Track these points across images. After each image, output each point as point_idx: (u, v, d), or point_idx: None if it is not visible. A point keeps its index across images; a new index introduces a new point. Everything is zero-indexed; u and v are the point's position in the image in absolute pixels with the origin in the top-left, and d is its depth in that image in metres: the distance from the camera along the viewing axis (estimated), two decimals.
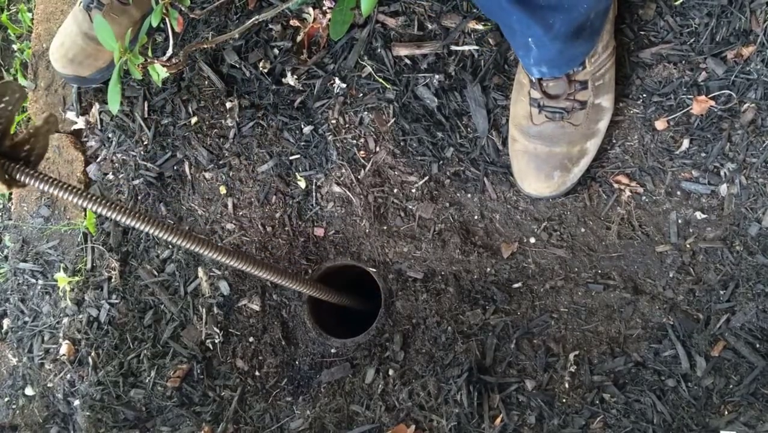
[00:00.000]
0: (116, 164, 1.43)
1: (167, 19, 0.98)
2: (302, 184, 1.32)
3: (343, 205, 1.29)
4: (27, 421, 1.43)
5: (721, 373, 1.09)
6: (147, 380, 1.35)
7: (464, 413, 1.16)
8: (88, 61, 1.37)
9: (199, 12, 1.23)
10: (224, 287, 1.34)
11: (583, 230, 1.19)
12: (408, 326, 1.24)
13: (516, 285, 1.21)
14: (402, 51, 1.27)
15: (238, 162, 1.35)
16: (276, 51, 1.34)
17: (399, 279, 1.26)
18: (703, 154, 1.13)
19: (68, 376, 1.41)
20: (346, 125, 1.30)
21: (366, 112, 1.29)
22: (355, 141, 1.29)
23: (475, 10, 1.25)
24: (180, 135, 1.39)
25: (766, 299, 1.09)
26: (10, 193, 1.53)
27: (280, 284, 1.05)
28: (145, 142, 1.41)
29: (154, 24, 0.97)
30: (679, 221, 1.14)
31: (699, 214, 1.13)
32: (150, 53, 1.37)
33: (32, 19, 1.57)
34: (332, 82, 1.31)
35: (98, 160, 1.45)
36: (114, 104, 1.00)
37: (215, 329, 1.33)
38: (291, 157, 1.33)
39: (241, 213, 1.35)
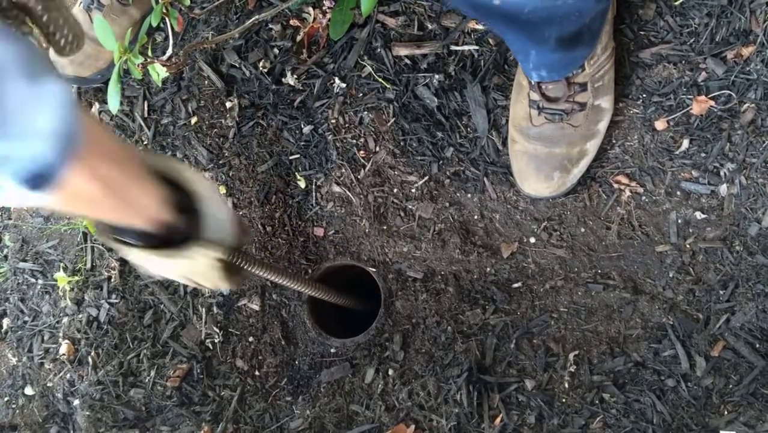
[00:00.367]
0: None
1: (167, 19, 0.98)
2: (302, 183, 1.32)
3: (342, 205, 1.29)
4: (27, 420, 1.43)
5: (721, 373, 1.09)
6: (147, 380, 1.35)
7: (464, 412, 1.16)
8: (89, 62, 1.37)
9: (199, 12, 1.23)
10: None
11: (583, 229, 1.19)
12: (408, 325, 1.24)
13: (516, 285, 1.21)
14: (402, 51, 1.27)
15: (237, 162, 1.35)
16: (276, 51, 1.34)
17: (399, 279, 1.26)
18: (703, 155, 1.13)
19: (68, 375, 1.41)
20: (346, 125, 1.30)
21: (366, 112, 1.29)
22: (355, 141, 1.29)
23: None
24: (180, 135, 1.39)
25: (766, 299, 1.09)
26: None
27: (282, 285, 1.08)
28: (145, 142, 1.41)
29: (154, 24, 0.97)
30: (679, 221, 1.14)
31: (699, 215, 1.13)
32: (150, 53, 1.37)
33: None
34: (332, 81, 1.31)
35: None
36: (114, 104, 1.00)
37: (215, 328, 1.33)
38: (291, 157, 1.33)
39: (241, 213, 1.35)
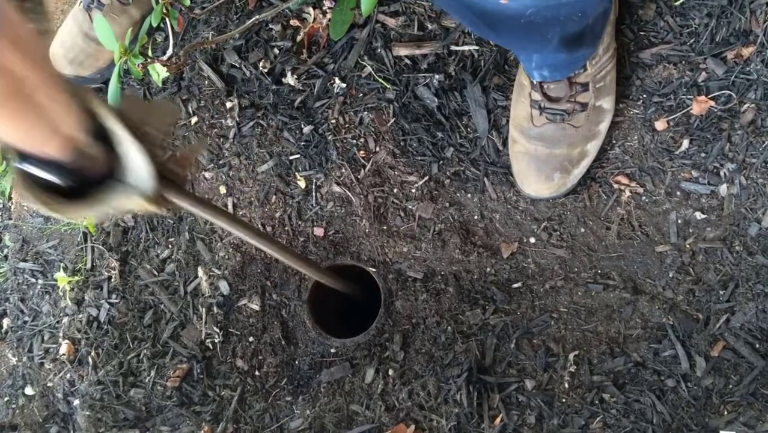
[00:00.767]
0: None
1: (167, 19, 0.98)
2: (302, 183, 1.32)
3: (343, 205, 1.29)
4: (27, 420, 1.43)
5: (721, 373, 1.09)
6: (147, 380, 1.35)
7: (464, 412, 1.16)
8: (89, 61, 1.37)
9: (199, 12, 1.23)
10: (224, 286, 1.34)
11: (583, 230, 1.19)
12: (408, 325, 1.24)
13: (516, 285, 1.21)
14: (402, 51, 1.27)
15: (238, 162, 1.35)
16: (276, 51, 1.34)
17: (399, 279, 1.26)
18: (703, 155, 1.13)
19: (68, 375, 1.41)
20: (346, 125, 1.30)
21: (366, 112, 1.29)
22: (355, 141, 1.29)
23: None
24: (180, 135, 1.39)
25: (766, 299, 1.09)
26: (10, 193, 1.53)
27: (287, 263, 1.02)
28: None
29: (154, 24, 0.97)
30: (679, 221, 1.14)
31: (699, 215, 1.13)
32: (150, 53, 1.37)
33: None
34: (332, 82, 1.31)
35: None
36: (114, 104, 1.00)
37: (215, 328, 1.33)
38: (291, 157, 1.33)
39: (241, 213, 1.35)
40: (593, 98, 1.11)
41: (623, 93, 1.17)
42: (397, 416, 1.20)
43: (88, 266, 1.42)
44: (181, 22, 1.26)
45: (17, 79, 0.48)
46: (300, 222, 1.32)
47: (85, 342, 1.40)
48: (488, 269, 1.22)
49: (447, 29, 1.26)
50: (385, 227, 1.27)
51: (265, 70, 1.34)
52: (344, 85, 1.30)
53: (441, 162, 1.25)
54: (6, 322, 1.50)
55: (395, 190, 1.27)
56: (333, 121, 1.30)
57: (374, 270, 1.27)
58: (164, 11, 0.98)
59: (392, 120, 1.27)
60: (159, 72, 1.03)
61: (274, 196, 1.33)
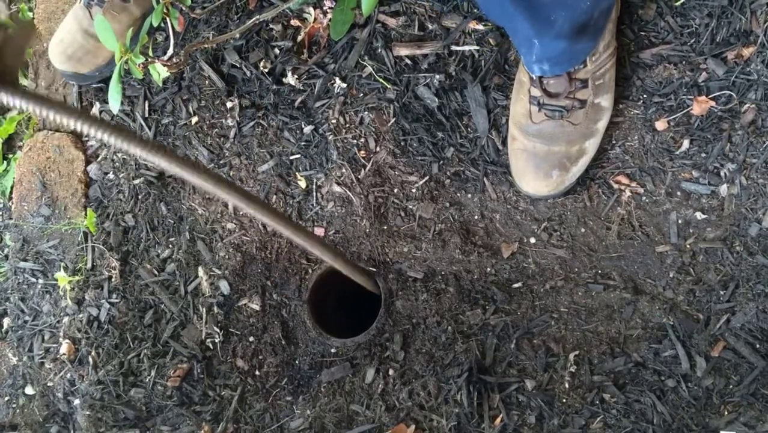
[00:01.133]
0: (117, 163, 1.44)
1: (168, 19, 0.98)
2: (302, 183, 1.32)
3: (343, 205, 1.30)
4: (27, 420, 1.43)
5: (721, 373, 1.09)
6: (147, 380, 1.35)
7: (464, 413, 1.16)
8: (87, 58, 1.37)
9: (200, 11, 1.23)
10: (224, 286, 1.34)
11: (583, 230, 1.19)
12: (408, 325, 1.24)
13: (516, 285, 1.21)
14: (402, 51, 1.27)
15: (238, 162, 1.35)
16: (276, 51, 1.35)
17: (399, 279, 1.26)
18: (704, 155, 1.13)
19: (68, 375, 1.41)
20: (347, 125, 1.30)
21: (366, 112, 1.29)
22: (355, 141, 1.29)
23: (475, 10, 1.25)
24: (180, 134, 1.39)
25: (766, 299, 1.09)
26: (11, 192, 1.53)
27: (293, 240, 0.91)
28: None
29: (155, 23, 0.97)
30: (679, 222, 1.14)
31: (699, 215, 1.13)
32: (151, 53, 1.37)
33: (33, 18, 1.57)
34: (333, 81, 1.31)
35: (99, 159, 1.45)
36: (115, 103, 1.00)
37: (215, 328, 1.33)
38: (291, 157, 1.33)
39: (241, 212, 1.35)
40: (592, 95, 1.11)
41: (623, 93, 1.17)
42: (397, 416, 1.20)
43: (89, 265, 1.42)
44: (181, 22, 1.26)
45: None
46: (300, 222, 1.32)
47: (85, 342, 1.40)
48: (488, 269, 1.22)
49: (447, 29, 1.26)
50: (385, 227, 1.27)
51: (266, 70, 1.34)
52: (345, 85, 1.30)
53: (441, 162, 1.25)
54: (6, 321, 1.50)
55: (395, 190, 1.27)
56: (333, 121, 1.30)
57: (374, 270, 1.27)
58: (165, 11, 0.99)
59: (393, 120, 1.27)
60: (159, 72, 1.03)
61: (274, 196, 1.33)
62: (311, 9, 1.32)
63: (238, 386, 1.30)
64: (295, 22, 1.34)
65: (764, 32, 1.10)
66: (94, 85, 1.45)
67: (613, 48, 1.11)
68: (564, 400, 1.15)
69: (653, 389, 1.11)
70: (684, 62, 1.14)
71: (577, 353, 1.16)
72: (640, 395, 1.11)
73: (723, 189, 1.12)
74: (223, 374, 1.32)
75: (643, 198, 1.16)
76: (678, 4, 1.15)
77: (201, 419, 1.30)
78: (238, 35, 1.34)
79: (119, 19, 1.32)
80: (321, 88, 1.31)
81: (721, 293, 1.11)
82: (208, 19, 1.38)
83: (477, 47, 1.24)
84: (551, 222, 1.20)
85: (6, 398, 1.46)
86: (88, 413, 1.36)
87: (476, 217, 1.24)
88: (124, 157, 1.43)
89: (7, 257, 1.52)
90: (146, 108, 1.41)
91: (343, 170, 1.29)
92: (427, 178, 1.25)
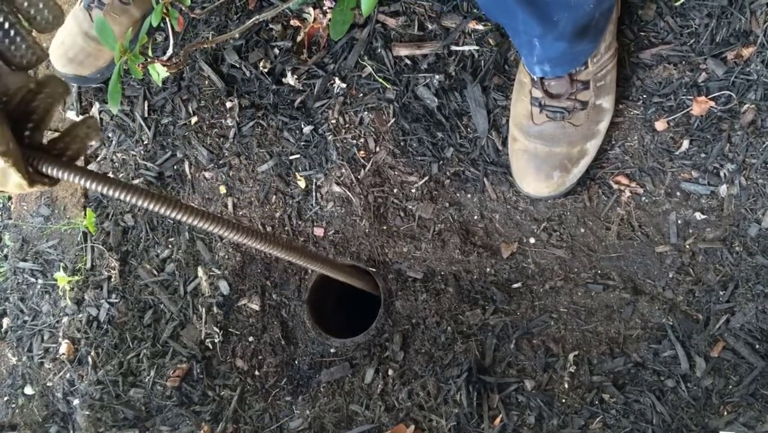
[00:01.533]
0: (116, 164, 1.43)
1: (167, 19, 0.98)
2: (302, 183, 1.32)
3: (343, 205, 1.29)
4: (26, 420, 1.43)
5: (721, 373, 1.09)
6: (146, 380, 1.35)
7: (464, 413, 1.16)
8: (89, 61, 1.37)
9: (200, 12, 1.23)
10: (224, 286, 1.34)
11: (582, 230, 1.19)
12: (408, 326, 1.24)
13: (516, 285, 1.21)
14: (402, 51, 1.27)
15: (238, 162, 1.35)
16: (276, 51, 1.35)
17: (399, 279, 1.26)
18: (703, 155, 1.14)
19: (68, 375, 1.41)
20: (346, 125, 1.30)
21: (366, 112, 1.29)
22: (355, 141, 1.29)
23: (475, 10, 1.25)
24: (180, 134, 1.39)
25: (766, 299, 1.09)
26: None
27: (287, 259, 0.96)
28: (145, 142, 1.41)
29: (155, 24, 0.97)
30: (679, 222, 1.14)
31: (699, 215, 1.13)
32: (150, 53, 1.37)
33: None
34: (332, 82, 1.31)
35: (98, 159, 1.45)
36: (114, 104, 1.00)
37: (215, 328, 1.33)
38: (291, 157, 1.33)
39: (241, 213, 1.35)
40: (593, 97, 1.11)
41: (623, 93, 1.17)
42: (396, 416, 1.20)
43: (88, 265, 1.42)
44: (181, 22, 1.26)
45: None
46: (300, 222, 1.32)
47: (84, 342, 1.40)
48: (488, 269, 1.22)
49: (447, 29, 1.26)
50: (385, 227, 1.27)
51: (266, 70, 1.34)
52: (344, 85, 1.30)
53: (441, 162, 1.25)
54: (6, 321, 1.50)
55: (395, 190, 1.27)
56: (333, 121, 1.30)
57: (374, 270, 1.27)
58: (164, 11, 0.98)
59: (392, 120, 1.27)
60: (159, 72, 1.03)
61: (274, 196, 1.33)
62: (311, 9, 1.32)
63: (238, 386, 1.30)
64: (294, 22, 1.33)
65: (764, 32, 1.10)
66: (94, 86, 1.45)
67: (614, 49, 1.11)
68: (563, 400, 1.15)
69: (653, 390, 1.11)
70: (684, 62, 1.14)
71: (576, 353, 1.16)
72: (640, 396, 1.12)
73: (722, 189, 1.12)
74: (222, 374, 1.32)
75: (643, 198, 1.16)
76: (678, 4, 1.15)
77: (200, 419, 1.30)
78: (237, 35, 1.34)
79: (119, 21, 1.32)
80: (321, 88, 1.31)
81: (721, 293, 1.11)
82: (208, 19, 1.38)
83: (477, 47, 1.24)
84: (551, 222, 1.20)
85: (5, 398, 1.46)
86: (87, 413, 1.36)
87: (476, 217, 1.24)
88: (124, 157, 1.43)
89: (6, 257, 1.51)
90: (146, 108, 1.41)
91: (343, 170, 1.29)
92: (426, 178, 1.25)
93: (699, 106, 1.13)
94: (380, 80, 1.28)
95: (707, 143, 1.13)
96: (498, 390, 1.17)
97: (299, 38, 1.34)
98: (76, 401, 1.39)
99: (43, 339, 1.44)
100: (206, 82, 1.37)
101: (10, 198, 1.53)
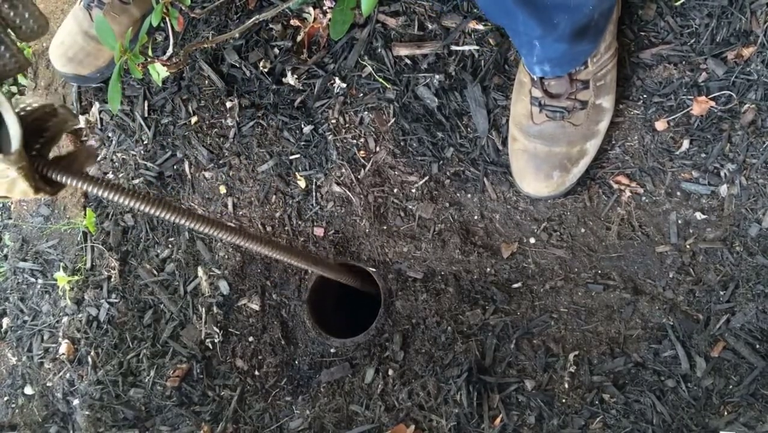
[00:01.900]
0: (116, 163, 1.43)
1: (167, 19, 0.98)
2: (302, 183, 1.32)
3: (343, 205, 1.29)
4: (26, 420, 1.43)
5: (721, 373, 1.09)
6: (146, 380, 1.35)
7: (464, 413, 1.16)
8: (88, 60, 1.37)
9: (200, 11, 1.23)
10: (224, 286, 1.34)
11: (583, 230, 1.19)
12: (408, 325, 1.24)
13: (516, 285, 1.21)
14: (402, 51, 1.27)
15: (238, 161, 1.35)
16: (276, 51, 1.34)
17: (399, 279, 1.26)
18: (703, 155, 1.13)
19: (67, 375, 1.41)
20: (346, 125, 1.30)
21: (366, 112, 1.29)
22: (355, 141, 1.29)
23: (475, 10, 1.25)
24: (180, 134, 1.39)
25: (766, 299, 1.09)
26: None
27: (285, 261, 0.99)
28: (145, 142, 1.41)
29: (155, 23, 0.97)
30: (679, 222, 1.14)
31: (699, 215, 1.13)
32: (150, 52, 1.37)
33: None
34: (332, 81, 1.31)
35: (98, 159, 1.45)
36: (114, 103, 1.00)
37: (215, 328, 1.33)
38: (291, 157, 1.33)
39: (241, 213, 1.35)
40: (593, 96, 1.11)
41: (623, 93, 1.17)
42: (396, 416, 1.20)
43: (88, 265, 1.42)
44: (181, 22, 1.26)
45: None
46: (300, 222, 1.32)
47: (84, 342, 1.40)
48: (488, 269, 1.22)
49: (447, 29, 1.26)
50: (385, 227, 1.27)
51: (266, 70, 1.34)
52: (344, 85, 1.30)
53: (441, 162, 1.25)
54: (6, 321, 1.49)
55: (395, 190, 1.27)
56: (333, 121, 1.30)
57: (374, 270, 1.27)
58: (164, 11, 0.98)
59: (392, 120, 1.27)
60: (159, 72, 1.03)
61: (274, 196, 1.33)
62: (311, 9, 1.32)
63: (238, 386, 1.30)
64: (294, 22, 1.33)
65: (764, 32, 1.10)
66: (94, 85, 1.45)
67: (614, 49, 1.11)
68: (563, 400, 1.15)
69: (653, 390, 1.11)
70: (684, 62, 1.14)
71: (576, 353, 1.16)
72: (640, 396, 1.11)
73: (723, 189, 1.12)
74: (222, 374, 1.32)
75: (643, 198, 1.16)
76: (678, 4, 1.15)
77: (200, 419, 1.30)
78: (237, 35, 1.34)
79: (119, 20, 1.32)
80: (321, 88, 1.31)
81: (721, 293, 1.11)
82: (208, 19, 1.38)
83: (477, 47, 1.24)
84: (551, 222, 1.20)
85: (5, 398, 1.46)
86: (87, 413, 1.36)
87: (476, 217, 1.24)
88: (124, 157, 1.42)
89: (6, 256, 1.51)
90: (146, 108, 1.41)
91: (343, 170, 1.29)
92: (426, 178, 1.25)
93: (699, 106, 1.13)
94: (380, 80, 1.28)
95: (707, 143, 1.13)
96: (498, 390, 1.17)
97: (299, 38, 1.34)
98: (76, 401, 1.39)
99: (43, 339, 1.44)
100: (206, 82, 1.37)
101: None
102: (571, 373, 1.15)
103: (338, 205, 1.30)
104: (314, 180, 1.31)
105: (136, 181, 1.40)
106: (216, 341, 1.33)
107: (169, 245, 1.39)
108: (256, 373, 1.31)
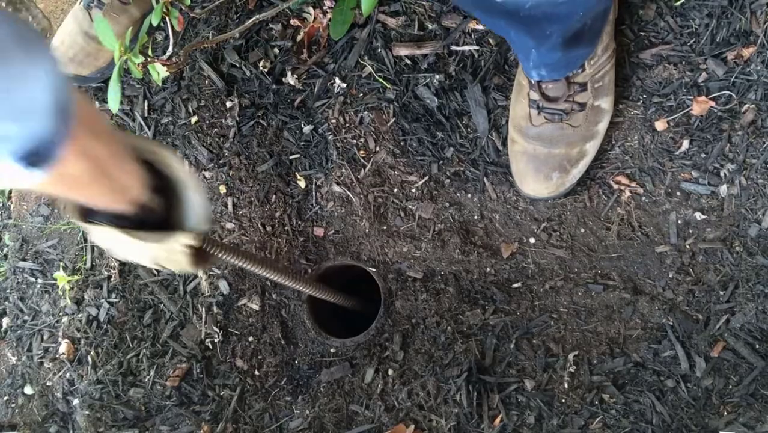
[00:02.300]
0: None
1: (167, 18, 0.98)
2: (302, 183, 1.32)
3: (342, 205, 1.29)
4: (26, 420, 1.43)
5: (721, 373, 1.09)
6: (146, 380, 1.35)
7: (463, 413, 1.16)
8: (88, 60, 1.37)
9: (200, 11, 1.23)
10: (224, 286, 1.34)
11: (582, 230, 1.19)
12: (407, 325, 1.24)
13: (516, 285, 1.21)
14: (402, 51, 1.27)
15: (238, 161, 1.35)
16: (276, 50, 1.34)
17: (399, 279, 1.26)
18: (703, 155, 1.13)
19: (67, 375, 1.41)
20: (346, 125, 1.30)
21: (366, 112, 1.29)
22: (355, 141, 1.29)
23: None
24: (180, 134, 1.39)
25: (766, 299, 1.09)
26: (10, 192, 1.53)
27: (283, 285, 1.08)
28: None
29: (155, 23, 0.97)
30: (679, 222, 1.14)
31: (699, 215, 1.13)
32: (150, 52, 1.37)
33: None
34: (332, 81, 1.31)
35: None
36: (114, 103, 1.00)
37: (215, 328, 1.33)
38: (291, 157, 1.33)
39: (241, 212, 1.35)
40: (591, 98, 1.11)
41: (623, 93, 1.17)
42: (396, 416, 1.20)
43: (88, 265, 1.42)
44: (181, 22, 1.26)
45: (100, 162, 0.55)
46: (300, 222, 1.32)
47: (84, 341, 1.40)
48: (488, 269, 1.22)
49: (447, 29, 1.26)
50: (385, 227, 1.27)
51: (266, 70, 1.34)
52: (344, 84, 1.30)
53: (441, 162, 1.25)
54: (5, 321, 1.50)
55: (395, 190, 1.27)
56: (333, 120, 1.30)
57: (374, 270, 1.27)
58: (164, 10, 0.98)
59: (392, 120, 1.27)
60: (159, 71, 1.03)
61: (274, 196, 1.33)
62: (311, 9, 1.32)
63: (238, 385, 1.30)
64: (294, 22, 1.33)
65: (764, 32, 1.10)
66: (94, 85, 1.45)
67: (611, 50, 1.11)
68: (563, 400, 1.15)
69: (652, 390, 1.11)
70: (684, 62, 1.14)
71: (576, 353, 1.16)
72: (640, 396, 1.12)
73: (723, 189, 1.12)
74: (222, 373, 1.32)
75: (643, 198, 1.16)
76: (678, 4, 1.15)
77: (200, 418, 1.30)
78: (237, 35, 1.34)
79: (119, 20, 1.32)
80: (321, 87, 1.31)
81: (721, 293, 1.11)
82: (208, 19, 1.38)
83: (477, 47, 1.24)
84: (551, 222, 1.20)
85: (5, 398, 1.46)
86: (87, 412, 1.36)
87: (476, 217, 1.24)
88: None
89: (6, 256, 1.51)
90: (145, 108, 1.41)
91: (343, 170, 1.29)
92: (426, 178, 1.25)
93: (699, 106, 1.13)
94: (380, 80, 1.28)
95: (707, 143, 1.13)
96: (498, 390, 1.17)
97: (299, 38, 1.34)
98: (75, 401, 1.39)
99: (42, 339, 1.44)
100: (206, 81, 1.37)
101: (10, 197, 1.53)
102: (570, 373, 1.15)
103: (338, 205, 1.30)
104: (314, 180, 1.31)
105: None
106: (216, 340, 1.33)
107: None
108: (256, 373, 1.31)
